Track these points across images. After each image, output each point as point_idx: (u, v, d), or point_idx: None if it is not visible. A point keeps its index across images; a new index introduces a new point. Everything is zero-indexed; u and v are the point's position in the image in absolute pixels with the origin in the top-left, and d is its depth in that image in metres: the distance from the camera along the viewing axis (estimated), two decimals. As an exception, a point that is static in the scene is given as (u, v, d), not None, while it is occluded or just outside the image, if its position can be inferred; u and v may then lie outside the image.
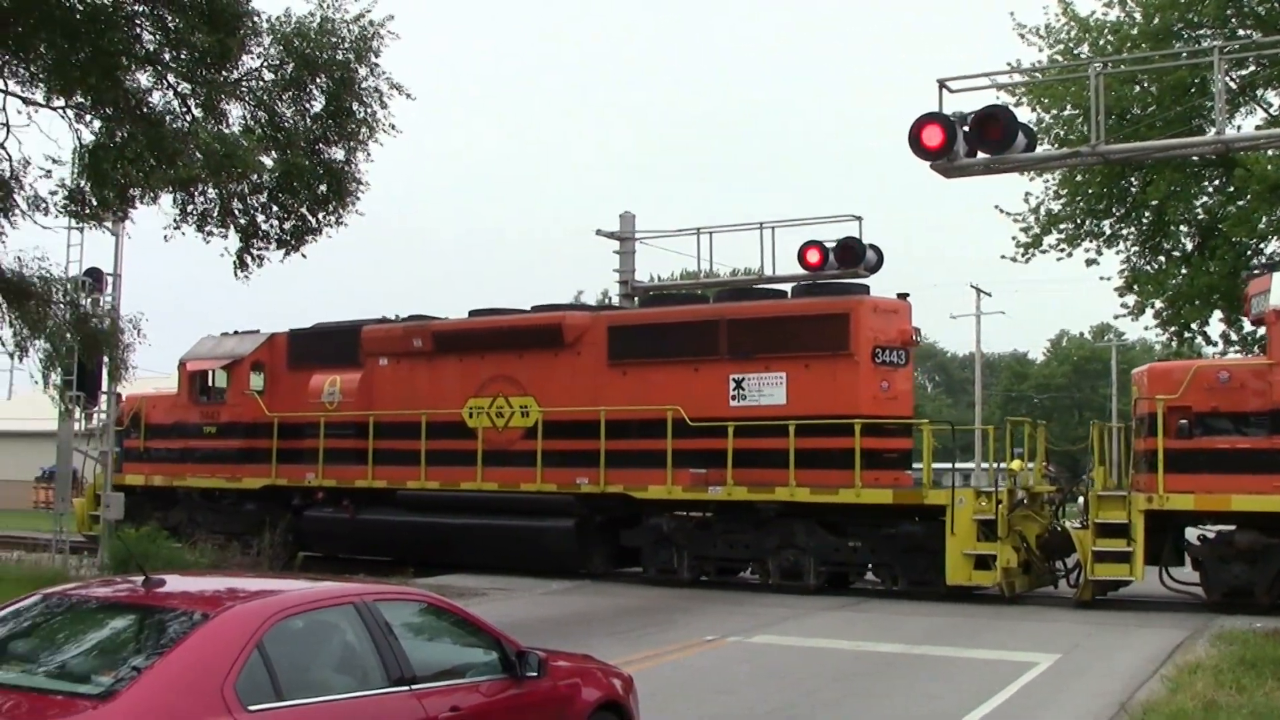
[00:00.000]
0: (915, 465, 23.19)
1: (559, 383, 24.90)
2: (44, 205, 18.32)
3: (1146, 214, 31.51)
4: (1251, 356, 19.93)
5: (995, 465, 22.56)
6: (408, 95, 18.85)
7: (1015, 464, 22.42)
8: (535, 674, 7.91)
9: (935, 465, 22.90)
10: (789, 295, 24.73)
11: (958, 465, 22.94)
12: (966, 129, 18.44)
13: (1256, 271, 21.97)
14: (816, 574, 22.37)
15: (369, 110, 18.67)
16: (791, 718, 12.26)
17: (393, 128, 18.93)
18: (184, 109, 17.70)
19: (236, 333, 30.17)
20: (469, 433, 25.65)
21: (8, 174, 18.34)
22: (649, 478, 23.49)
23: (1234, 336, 30.01)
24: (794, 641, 17.04)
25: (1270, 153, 27.11)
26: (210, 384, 29.67)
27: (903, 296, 23.81)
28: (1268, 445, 18.80)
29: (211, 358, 29.69)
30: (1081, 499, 21.68)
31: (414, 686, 7.04)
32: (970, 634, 17.67)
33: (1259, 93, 30.77)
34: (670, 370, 23.76)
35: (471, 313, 27.29)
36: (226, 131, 17.55)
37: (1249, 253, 30.68)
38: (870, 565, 22.66)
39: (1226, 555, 19.49)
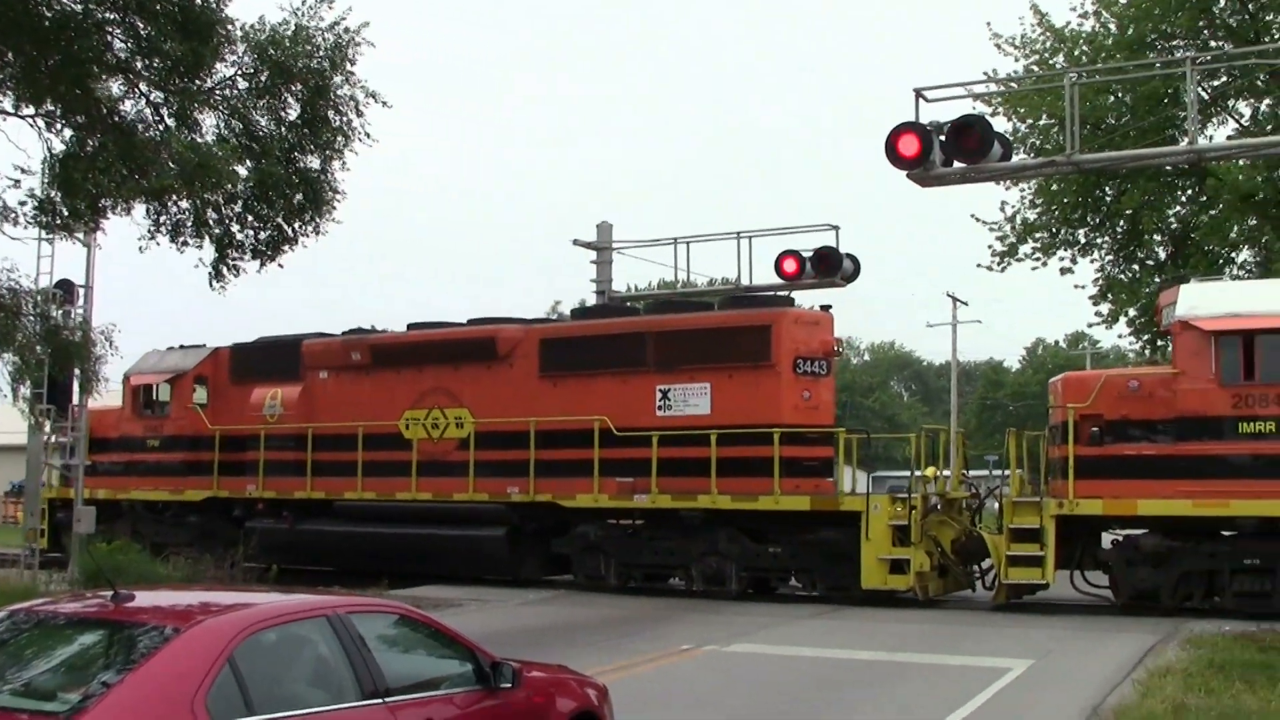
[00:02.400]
0: (892, 472, 23.33)
1: (493, 394, 25.31)
2: (13, 216, 18.09)
3: (1121, 223, 31.69)
4: (1160, 366, 20.33)
5: (912, 472, 22.92)
6: (384, 103, 18.79)
7: (930, 470, 22.66)
8: (509, 685, 7.87)
9: (900, 473, 23.11)
10: (715, 308, 25.29)
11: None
12: (943, 138, 18.54)
13: (1169, 283, 22.27)
14: (739, 580, 22.77)
15: (344, 119, 18.59)
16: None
17: (368, 135, 18.86)
18: (156, 118, 17.56)
19: (181, 347, 30.44)
20: (405, 444, 26.08)
21: (-25, 184, 18.18)
22: (577, 487, 23.93)
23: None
24: (771, 650, 17.04)
25: (1242, 163, 27.26)
26: (154, 398, 30.01)
27: (825, 309, 24.32)
28: (1172, 452, 19.39)
29: (155, 372, 30.06)
30: (998, 505, 22.03)
31: (387, 699, 6.99)
32: (946, 641, 17.72)
33: (1230, 103, 30.96)
34: (599, 381, 24.19)
35: (409, 326, 27.72)
36: (200, 141, 17.42)
37: (1221, 261, 30.89)
38: (792, 571, 23.04)
39: (1134, 559, 20.03)
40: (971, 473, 22.74)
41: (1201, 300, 19.79)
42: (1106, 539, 21.18)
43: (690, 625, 19.40)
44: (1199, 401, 19.26)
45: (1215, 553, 19.45)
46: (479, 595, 23.40)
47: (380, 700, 6.94)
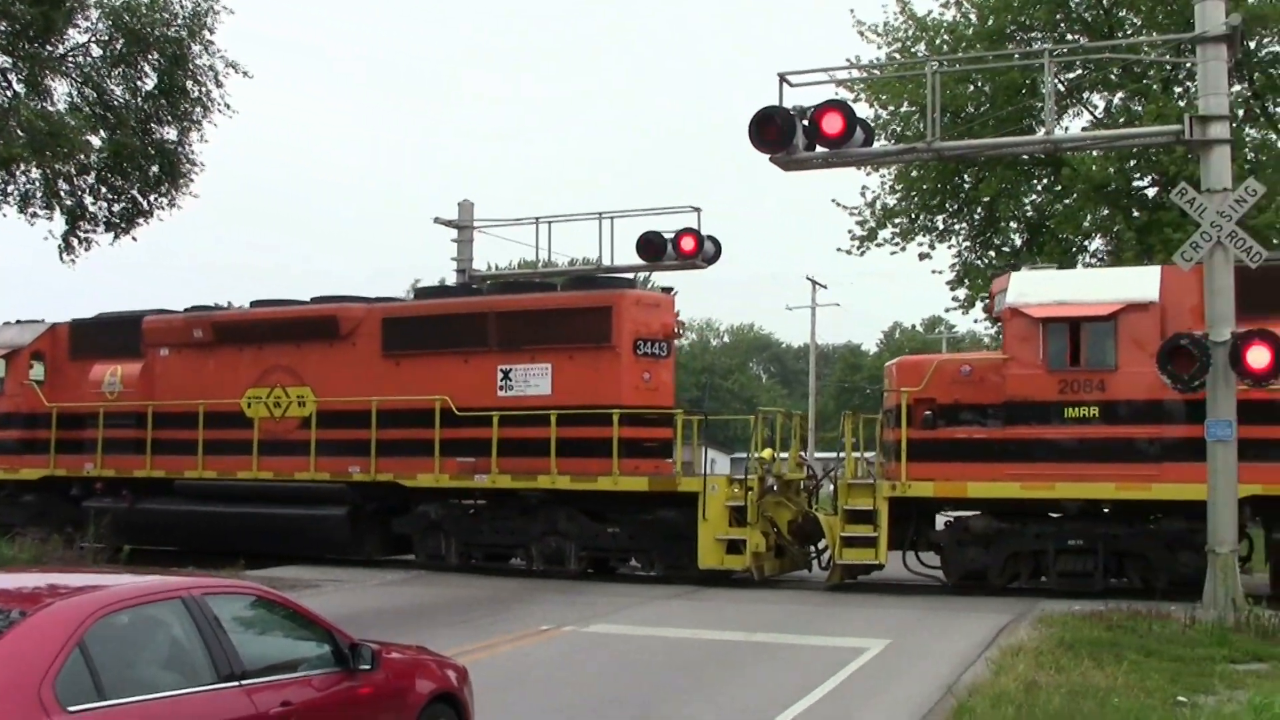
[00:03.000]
0: (741, 454, 23.53)
1: (336, 373, 25.10)
2: None
3: (978, 210, 32.36)
4: (992, 352, 20.89)
5: (751, 454, 23.16)
6: (245, 73, 18.43)
7: (766, 452, 23.01)
8: (368, 667, 7.79)
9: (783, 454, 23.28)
10: (558, 289, 25.36)
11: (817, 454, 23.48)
12: (806, 123, 18.67)
13: (1002, 270, 22.79)
14: (578, 559, 22.92)
15: (203, 89, 18.21)
16: (632, 706, 12.28)
17: (228, 107, 18.48)
18: (4, 83, 17.02)
19: (18, 322, 29.45)
20: (247, 423, 25.75)
21: None
22: (419, 466, 23.83)
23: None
24: (631, 630, 17.08)
25: (1095, 154, 27.98)
26: None
27: (666, 290, 24.61)
28: (1001, 436, 19.87)
29: None
30: (833, 486, 22.42)
31: (244, 682, 6.88)
32: (806, 621, 17.90)
33: (1085, 95, 31.78)
34: (442, 361, 24.07)
35: (253, 303, 27.32)
36: (51, 109, 16.94)
37: (1074, 250, 31.67)
38: (631, 551, 23.22)
39: (963, 539, 20.51)
40: (825, 455, 22.97)
41: (1031, 288, 20.24)
42: (941, 521, 21.59)
43: (549, 606, 19.36)
44: (1027, 386, 19.74)
45: (1041, 533, 20.01)
46: (336, 576, 23.11)
47: (237, 683, 6.83)
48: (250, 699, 6.83)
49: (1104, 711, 10.81)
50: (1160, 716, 10.59)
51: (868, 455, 23.03)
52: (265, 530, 25.08)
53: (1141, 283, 19.90)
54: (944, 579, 20.99)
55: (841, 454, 22.83)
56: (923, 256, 32.89)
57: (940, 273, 33.08)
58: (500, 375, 23.43)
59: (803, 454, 24.84)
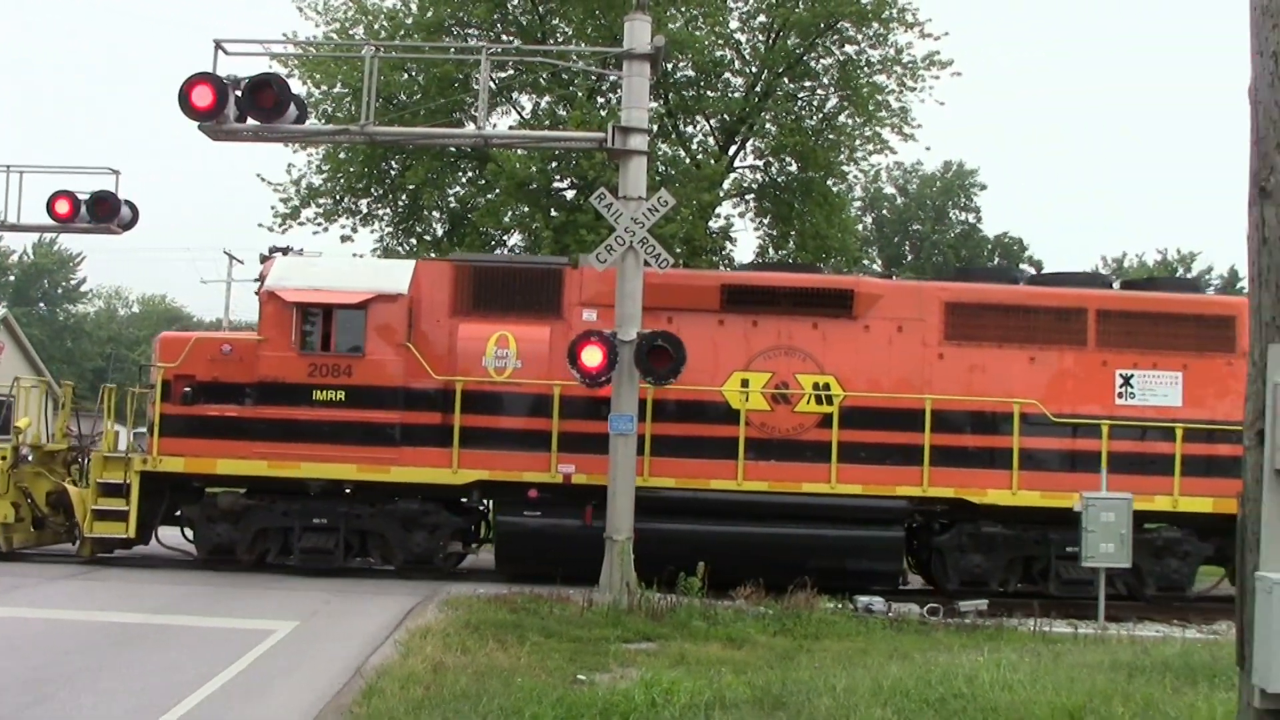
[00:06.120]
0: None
1: None
2: None
3: (404, 197, 32.71)
4: (252, 332, 21.60)
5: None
6: None
7: (23, 421, 22.57)
8: None
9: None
10: None
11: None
12: (239, 94, 18.31)
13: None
14: None
15: None
16: (23, 695, 11.51)
17: None
18: None
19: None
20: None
21: None
22: None
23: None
24: (29, 613, 16.05)
25: (520, 152, 29.01)
26: None
27: None
28: (253, 415, 20.51)
29: None
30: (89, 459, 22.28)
31: None
32: (210, 603, 17.46)
33: (515, 96, 32.90)
34: None
35: None
36: None
37: (494, 243, 32.72)
38: None
39: (213, 516, 20.98)
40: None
41: (290, 272, 20.92)
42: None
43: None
44: (279, 368, 20.37)
45: (288, 511, 20.70)
46: None
47: None
48: None
49: (508, 690, 11.25)
50: (560, 694, 11.12)
51: (141, 430, 22.81)
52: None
53: (394, 275, 20.98)
54: (194, 554, 21.31)
55: (99, 427, 22.45)
56: (345, 239, 32.95)
57: (363, 255, 33.20)
58: None
59: (71, 425, 24.11)
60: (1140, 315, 21.01)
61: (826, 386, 20.58)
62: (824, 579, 18.63)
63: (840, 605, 18.18)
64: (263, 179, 32.60)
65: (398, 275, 20.94)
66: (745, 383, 20.48)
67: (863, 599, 18.92)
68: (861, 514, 20.31)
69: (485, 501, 21.38)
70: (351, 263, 21.59)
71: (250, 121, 18.65)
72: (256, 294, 21.21)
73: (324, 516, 20.58)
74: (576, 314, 20.64)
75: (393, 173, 32.45)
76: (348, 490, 20.83)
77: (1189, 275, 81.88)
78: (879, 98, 33.35)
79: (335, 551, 20.53)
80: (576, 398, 20.24)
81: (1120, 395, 20.79)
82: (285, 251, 22.21)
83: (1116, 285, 22.67)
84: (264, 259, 21.94)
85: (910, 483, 20.40)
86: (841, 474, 20.37)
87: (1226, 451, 20.25)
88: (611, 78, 24.68)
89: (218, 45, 18.53)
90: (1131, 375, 20.81)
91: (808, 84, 34.00)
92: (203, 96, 18.16)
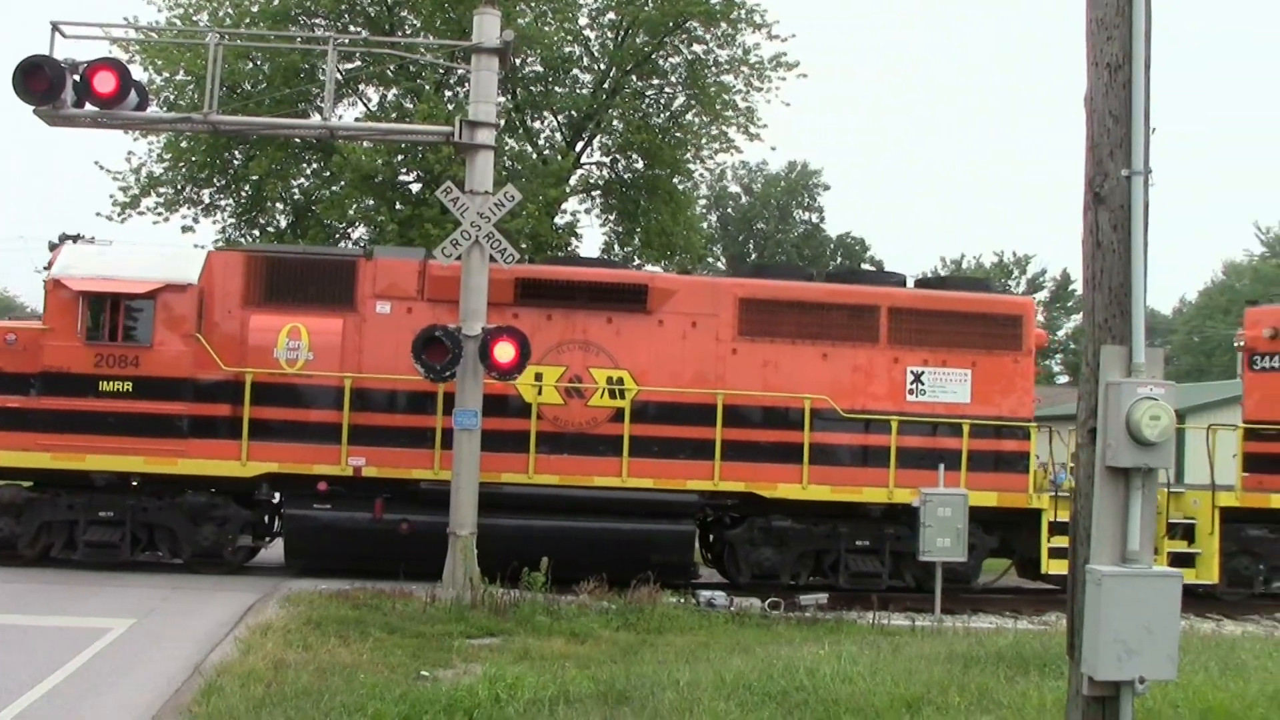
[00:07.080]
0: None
1: None
2: None
3: (247, 188, 32.20)
4: (38, 321, 21.25)
5: None
6: None
7: None
8: None
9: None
10: None
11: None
12: (77, 78, 17.87)
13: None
14: None
15: None
16: None
17: None
18: None
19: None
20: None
21: None
22: None
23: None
24: None
25: (366, 145, 28.77)
26: None
27: None
28: (36, 405, 20.07)
29: None
30: None
31: None
32: (42, 601, 17.04)
33: (361, 88, 32.59)
34: None
35: None
36: None
37: (338, 235, 32.40)
38: None
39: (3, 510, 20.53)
40: None
41: (77, 261, 20.50)
42: None
43: None
44: (64, 358, 19.97)
45: (74, 504, 20.35)
46: None
47: None
48: None
49: (351, 687, 11.23)
50: (403, 691, 11.13)
51: None
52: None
53: (184, 265, 20.68)
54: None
55: None
56: (186, 229, 32.28)
57: (203, 247, 32.56)
58: None
59: None
60: (931, 314, 21.47)
61: (620, 381, 20.74)
62: (614, 571, 18.76)
63: (683, 600, 18.43)
64: (101, 166, 31.84)
65: (188, 265, 20.57)
66: (539, 376, 20.43)
67: (705, 593, 19.21)
68: (652, 508, 20.48)
69: (276, 495, 21.10)
70: (142, 251, 21.03)
71: (89, 107, 18.20)
72: (44, 282, 20.70)
73: (110, 510, 20.19)
74: (370, 306, 20.43)
75: (236, 163, 31.93)
76: (135, 483, 20.43)
77: (1025, 277, 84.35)
78: (726, 97, 33.91)
79: (121, 545, 20.13)
80: (369, 390, 20.23)
81: (911, 392, 21.25)
82: (76, 239, 21.65)
83: (911, 284, 23.23)
84: (53, 246, 21.36)
85: (702, 477, 20.60)
86: (633, 468, 20.49)
87: (1012, 447, 21.16)
88: (459, 71, 24.64)
89: (55, 27, 18.07)
90: (922, 372, 21.27)
91: (655, 82, 34.39)
92: (39, 80, 17.68)
